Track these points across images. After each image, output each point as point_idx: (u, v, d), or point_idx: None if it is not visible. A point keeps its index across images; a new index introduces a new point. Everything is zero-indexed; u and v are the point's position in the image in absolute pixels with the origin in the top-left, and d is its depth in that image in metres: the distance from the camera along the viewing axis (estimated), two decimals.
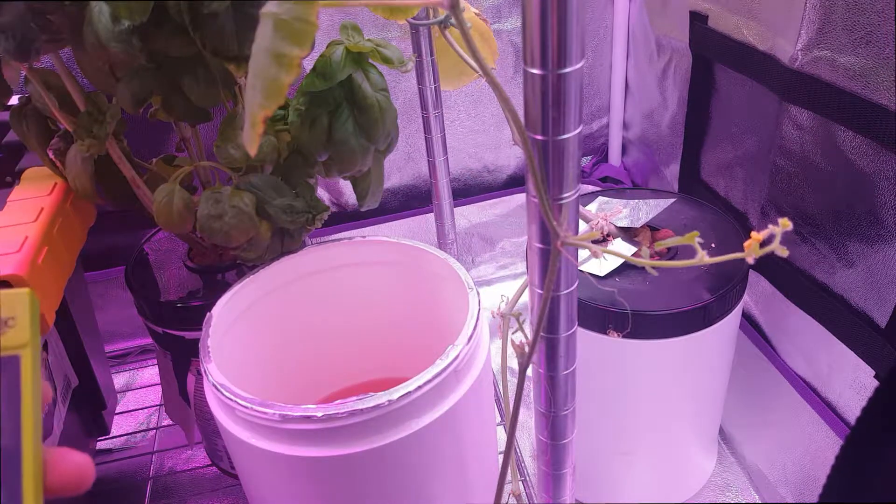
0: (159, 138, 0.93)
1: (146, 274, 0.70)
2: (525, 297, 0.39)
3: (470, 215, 1.12)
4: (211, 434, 0.76)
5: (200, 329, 0.54)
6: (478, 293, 0.55)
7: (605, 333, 0.63)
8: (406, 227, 1.09)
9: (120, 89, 0.54)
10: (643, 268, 0.58)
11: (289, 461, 0.47)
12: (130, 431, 0.92)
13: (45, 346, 0.63)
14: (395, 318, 0.68)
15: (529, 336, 0.35)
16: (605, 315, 0.63)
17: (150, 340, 0.72)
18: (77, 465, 0.26)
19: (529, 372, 0.36)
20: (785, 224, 0.25)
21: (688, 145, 0.89)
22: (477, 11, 0.67)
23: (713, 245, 0.69)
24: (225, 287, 0.59)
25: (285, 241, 0.62)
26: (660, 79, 0.95)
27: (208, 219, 0.57)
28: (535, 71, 0.27)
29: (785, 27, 0.65)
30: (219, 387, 0.48)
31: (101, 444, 0.86)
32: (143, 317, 0.68)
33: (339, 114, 0.57)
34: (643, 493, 0.77)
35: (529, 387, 0.39)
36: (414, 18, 0.66)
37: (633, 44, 1.05)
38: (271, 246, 0.61)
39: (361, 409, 0.45)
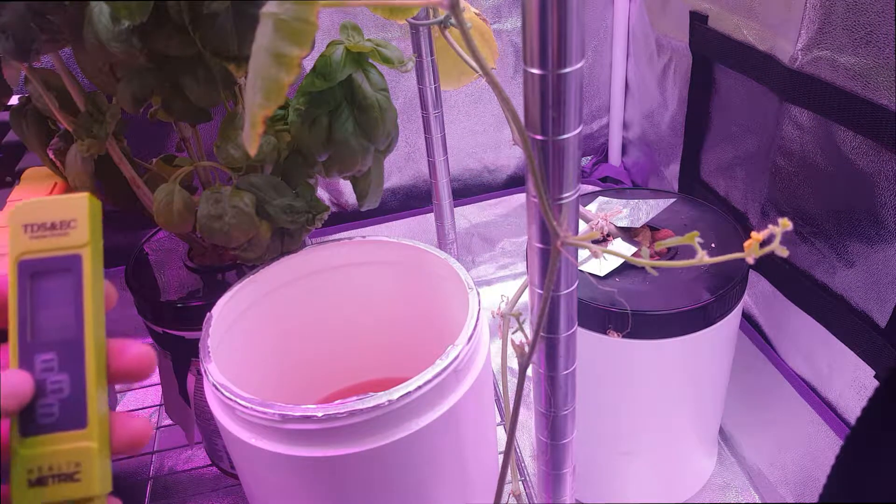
0: (159, 138, 0.93)
1: (146, 274, 0.70)
2: (525, 297, 0.39)
3: (470, 215, 1.12)
4: (211, 434, 0.76)
5: (200, 329, 0.54)
6: (478, 293, 0.55)
7: (605, 333, 0.63)
8: (406, 227, 1.09)
9: (120, 89, 0.54)
10: (643, 268, 0.58)
11: (289, 461, 0.47)
12: None
13: None
14: (395, 318, 0.68)
15: (529, 336, 0.35)
16: (605, 315, 0.62)
17: (150, 340, 0.72)
18: (138, 354, 0.28)
19: (529, 372, 0.36)
20: (785, 224, 0.25)
21: (688, 145, 0.89)
22: (477, 11, 0.67)
23: (713, 245, 0.69)
24: (225, 287, 0.59)
25: (285, 241, 0.62)
26: (660, 79, 0.95)
27: (208, 219, 0.57)
28: (535, 71, 0.27)
29: (785, 27, 0.65)
30: (219, 387, 0.48)
31: None
32: (143, 317, 0.68)
33: (339, 114, 0.57)
34: (643, 493, 0.77)
35: (529, 387, 0.39)
36: (414, 18, 0.66)
37: (633, 44, 1.05)
38: (271, 246, 0.61)
39: (361, 409, 0.45)
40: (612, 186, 1.16)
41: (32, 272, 0.27)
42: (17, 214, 0.27)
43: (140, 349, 0.28)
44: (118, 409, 0.92)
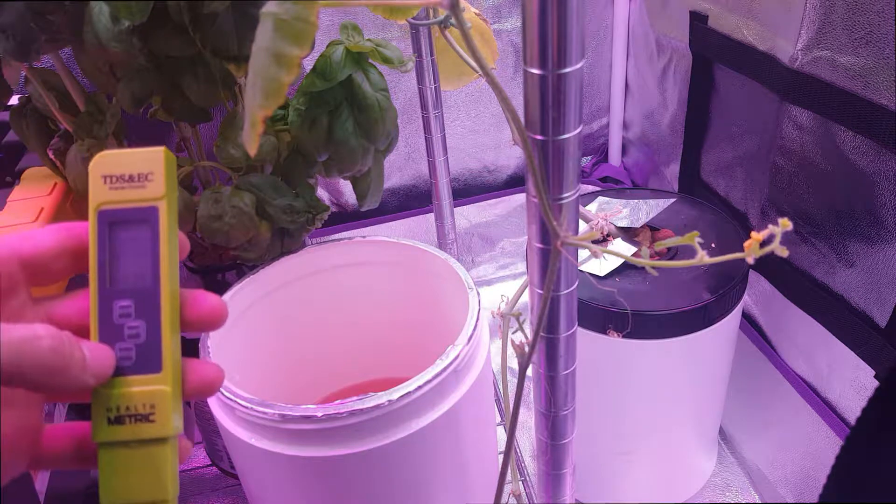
0: (159, 138, 0.93)
1: None
2: (525, 297, 0.39)
3: (470, 215, 1.12)
4: (211, 434, 0.76)
5: None
6: (478, 293, 0.55)
7: (605, 333, 0.63)
8: (406, 227, 1.09)
9: (120, 89, 0.54)
10: (643, 268, 0.58)
11: (289, 461, 0.47)
12: None
13: None
14: (395, 318, 0.68)
15: (529, 336, 0.35)
16: (605, 315, 0.62)
17: None
18: (211, 305, 0.29)
19: (529, 372, 0.36)
20: (785, 224, 0.25)
21: (688, 145, 0.89)
22: (477, 11, 0.67)
23: (713, 245, 0.69)
24: (225, 287, 0.59)
25: (285, 241, 0.62)
26: (660, 79, 0.95)
27: (208, 219, 0.57)
28: (535, 71, 0.27)
29: (785, 27, 0.65)
30: None
31: None
32: None
33: (339, 114, 0.57)
34: (643, 493, 0.77)
35: (529, 387, 0.39)
36: (414, 18, 0.66)
37: (633, 44, 1.05)
38: (271, 246, 0.61)
39: (361, 409, 0.45)
40: (612, 186, 1.16)
41: (111, 221, 0.28)
42: (97, 165, 0.28)
43: (214, 300, 0.29)
44: None
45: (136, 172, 0.28)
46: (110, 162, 0.28)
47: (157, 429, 0.27)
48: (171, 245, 0.28)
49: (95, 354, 0.26)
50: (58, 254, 0.28)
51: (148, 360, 0.28)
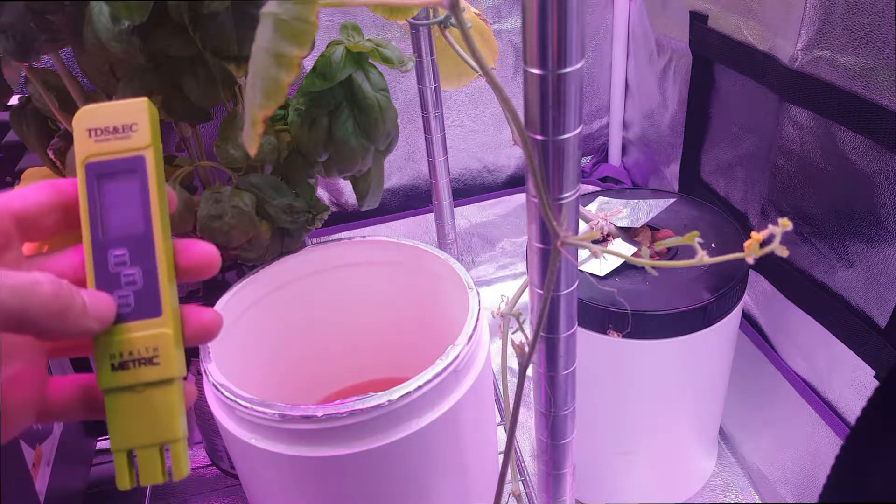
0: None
1: None
2: (525, 297, 0.39)
3: (470, 215, 1.12)
4: (211, 434, 0.76)
5: None
6: (478, 293, 0.55)
7: (605, 333, 0.63)
8: (406, 227, 1.09)
9: (120, 89, 0.54)
10: (643, 268, 0.58)
11: (289, 461, 0.47)
12: None
13: None
14: (395, 318, 0.68)
15: (529, 336, 0.35)
16: (605, 315, 0.62)
17: None
18: (205, 252, 0.29)
19: (529, 372, 0.36)
20: (785, 224, 0.25)
21: (688, 145, 0.89)
22: (477, 11, 0.67)
23: (713, 245, 0.69)
24: (225, 287, 0.59)
25: (285, 241, 0.62)
26: (660, 79, 0.95)
27: (208, 219, 0.57)
28: (535, 71, 0.27)
29: (785, 27, 0.65)
30: (219, 387, 0.48)
31: (101, 444, 0.86)
32: None
33: (339, 114, 0.57)
34: (643, 493, 0.77)
35: (529, 387, 0.39)
36: (414, 18, 0.66)
37: (633, 44, 1.05)
38: (271, 246, 0.61)
39: (361, 409, 0.45)
40: (612, 186, 1.16)
41: (99, 174, 0.28)
42: (80, 119, 0.28)
43: (205, 247, 0.29)
44: None
45: (120, 124, 0.28)
46: (94, 115, 0.28)
47: (161, 371, 0.27)
48: (160, 192, 0.28)
49: (95, 301, 0.27)
50: (48, 210, 0.28)
51: (147, 306, 0.28)
